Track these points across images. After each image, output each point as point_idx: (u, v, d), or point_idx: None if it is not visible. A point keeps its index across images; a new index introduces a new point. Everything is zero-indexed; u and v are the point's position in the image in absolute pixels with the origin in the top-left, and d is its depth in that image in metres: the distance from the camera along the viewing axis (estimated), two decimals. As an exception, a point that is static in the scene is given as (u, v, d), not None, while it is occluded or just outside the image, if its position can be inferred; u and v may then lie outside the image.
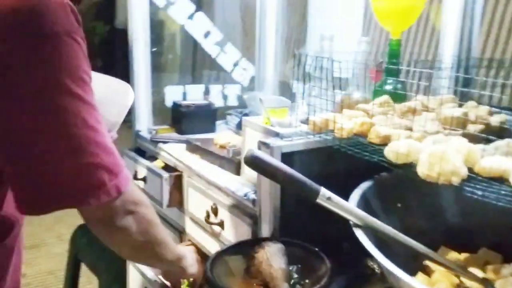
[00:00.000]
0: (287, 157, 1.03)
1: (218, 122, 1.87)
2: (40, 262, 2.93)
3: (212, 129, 1.79)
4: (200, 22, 1.83)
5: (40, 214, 0.63)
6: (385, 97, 1.09)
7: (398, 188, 0.99)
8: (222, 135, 1.47)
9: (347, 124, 0.97)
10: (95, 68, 0.69)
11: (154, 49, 1.70)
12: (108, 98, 0.92)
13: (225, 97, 1.97)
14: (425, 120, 0.95)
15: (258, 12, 2.00)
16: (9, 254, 0.76)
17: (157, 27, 2.07)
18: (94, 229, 0.72)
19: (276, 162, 0.91)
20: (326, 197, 0.86)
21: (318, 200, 0.86)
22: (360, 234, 0.80)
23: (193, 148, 1.47)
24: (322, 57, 1.03)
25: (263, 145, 1.04)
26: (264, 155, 0.91)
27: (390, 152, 0.85)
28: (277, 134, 1.08)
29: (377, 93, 1.16)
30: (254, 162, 0.89)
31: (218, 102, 1.92)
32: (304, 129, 1.08)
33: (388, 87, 1.20)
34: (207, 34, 1.86)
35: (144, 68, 1.71)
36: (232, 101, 1.97)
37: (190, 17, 1.80)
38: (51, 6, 0.59)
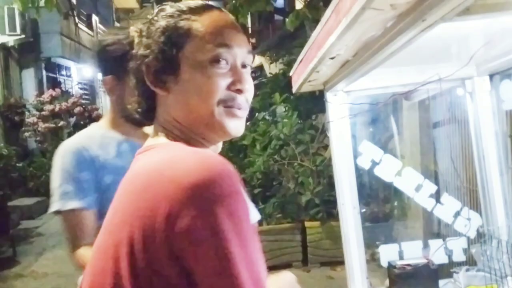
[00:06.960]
0: None
1: (443, 282, 1.68)
2: None
3: (434, 291, 1.63)
4: (409, 177, 1.78)
5: None
6: None
7: None
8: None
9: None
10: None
11: (363, 210, 1.72)
12: None
13: (449, 253, 1.78)
14: None
15: (476, 156, 1.85)
16: None
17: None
18: None
19: None
20: None
21: None
22: None
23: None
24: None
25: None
26: None
27: None
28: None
29: None
30: None
31: (440, 259, 1.75)
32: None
33: None
34: (418, 188, 1.79)
35: (354, 229, 1.73)
36: (458, 257, 1.77)
37: (398, 173, 1.78)
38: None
